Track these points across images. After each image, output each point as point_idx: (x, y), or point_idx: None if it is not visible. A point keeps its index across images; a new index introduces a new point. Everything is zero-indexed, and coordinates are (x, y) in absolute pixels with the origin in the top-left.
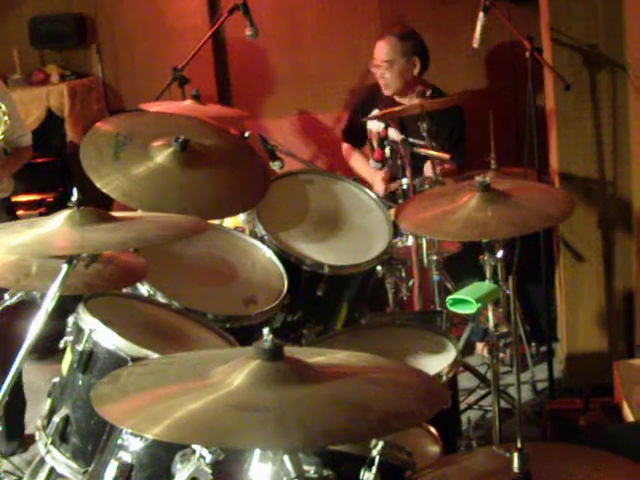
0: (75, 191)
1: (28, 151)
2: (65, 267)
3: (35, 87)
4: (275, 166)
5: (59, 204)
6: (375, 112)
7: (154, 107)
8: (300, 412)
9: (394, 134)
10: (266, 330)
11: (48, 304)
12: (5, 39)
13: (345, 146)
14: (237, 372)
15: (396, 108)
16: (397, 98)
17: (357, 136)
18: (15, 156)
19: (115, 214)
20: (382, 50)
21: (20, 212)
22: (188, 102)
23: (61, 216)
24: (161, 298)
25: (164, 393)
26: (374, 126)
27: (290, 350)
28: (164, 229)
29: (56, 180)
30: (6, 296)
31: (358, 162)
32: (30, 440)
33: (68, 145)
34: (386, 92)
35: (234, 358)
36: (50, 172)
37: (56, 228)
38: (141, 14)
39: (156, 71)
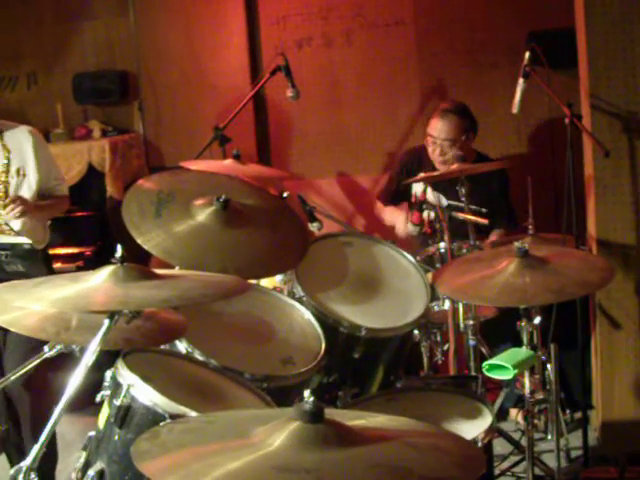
0: (119, 247)
1: (64, 201)
2: (107, 322)
3: (77, 142)
4: (314, 227)
5: (97, 258)
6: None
7: (195, 165)
8: (340, 475)
9: (432, 197)
10: (307, 392)
11: (88, 358)
12: (49, 94)
13: (379, 205)
14: (277, 433)
15: (437, 172)
16: (439, 166)
17: (394, 198)
18: (50, 203)
19: (157, 271)
20: (443, 129)
21: (57, 265)
22: (229, 161)
23: (104, 271)
24: (199, 356)
25: (204, 451)
26: (419, 189)
27: (330, 412)
28: (206, 288)
29: (94, 234)
30: (46, 348)
31: (389, 210)
32: None
33: (107, 200)
34: (442, 168)
35: (274, 419)
36: (89, 226)
37: (99, 283)
38: (183, 72)
39: (197, 129)
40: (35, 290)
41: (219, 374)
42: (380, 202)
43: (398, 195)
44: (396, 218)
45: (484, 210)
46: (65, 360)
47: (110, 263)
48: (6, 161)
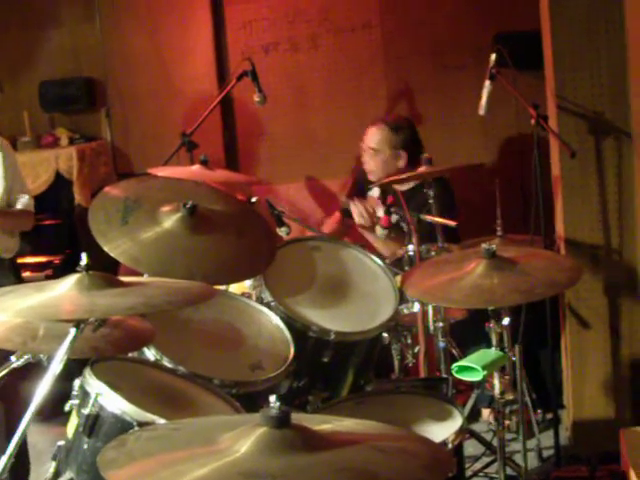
0: (84, 256)
1: (29, 216)
2: (73, 331)
3: (44, 150)
4: (282, 232)
5: (66, 267)
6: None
7: (162, 172)
8: None
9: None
10: (273, 397)
11: (55, 367)
12: (16, 102)
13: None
14: (244, 439)
15: (400, 176)
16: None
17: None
18: (15, 212)
19: (123, 279)
20: (371, 137)
21: (26, 274)
22: (196, 167)
23: (70, 280)
24: (167, 363)
25: (171, 459)
26: (375, 194)
27: (297, 417)
28: (173, 295)
29: (63, 243)
30: (12, 358)
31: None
32: None
33: (76, 208)
34: (370, 177)
35: (241, 425)
36: (57, 234)
37: (64, 292)
38: (150, 79)
39: (164, 135)
40: (0, 300)
41: (188, 381)
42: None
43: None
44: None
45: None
46: (34, 370)
47: (75, 271)
48: None
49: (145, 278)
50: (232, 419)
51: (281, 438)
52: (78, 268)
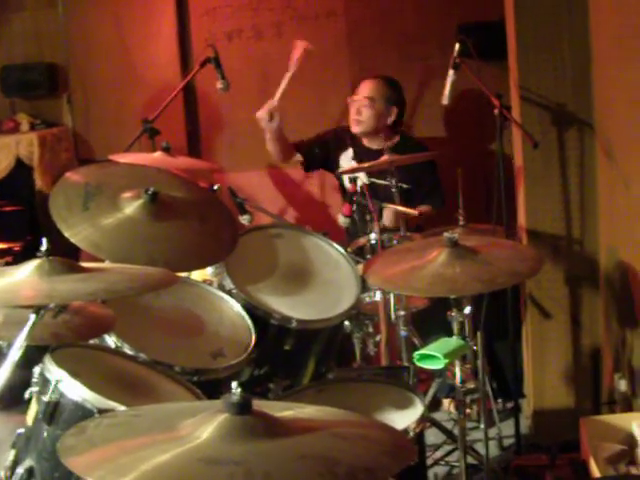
0: (44, 241)
1: None
2: (33, 317)
3: (5, 135)
4: (244, 220)
5: (26, 253)
6: (347, 161)
7: (124, 158)
8: (268, 466)
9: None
10: (235, 384)
11: (14, 354)
12: None
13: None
14: (205, 425)
15: (367, 164)
16: (365, 142)
17: (308, 158)
18: None
19: (84, 265)
20: (367, 87)
21: None
22: (158, 154)
23: (29, 265)
24: (128, 350)
25: (131, 445)
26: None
27: (258, 404)
28: (133, 281)
29: (24, 229)
30: None
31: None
32: None
33: (37, 194)
34: (355, 129)
35: (202, 411)
36: (18, 221)
37: (24, 277)
38: (113, 65)
39: (126, 122)
40: None
41: (149, 368)
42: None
43: (311, 159)
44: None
45: (405, 186)
46: None
47: (36, 257)
48: None
49: (106, 264)
50: (193, 406)
51: (242, 425)
52: (38, 253)
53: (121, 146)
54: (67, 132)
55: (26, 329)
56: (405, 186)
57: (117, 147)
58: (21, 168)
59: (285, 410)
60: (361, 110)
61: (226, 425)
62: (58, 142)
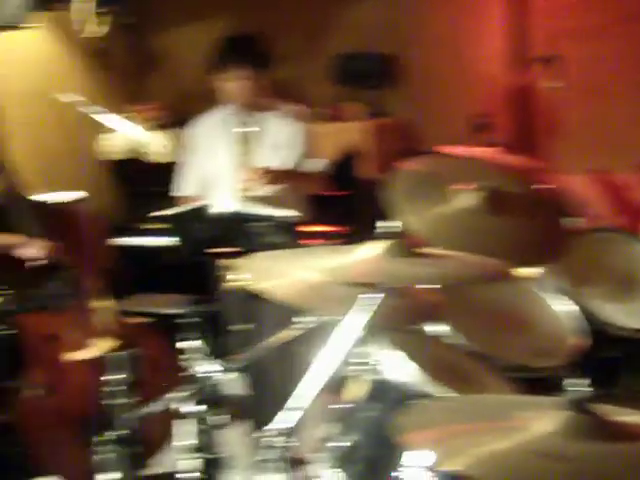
0: (386, 222)
1: (317, 180)
2: (373, 296)
3: (336, 122)
4: (573, 222)
5: (347, 238)
6: None
7: (452, 151)
8: (600, 470)
9: None
10: (580, 382)
11: (351, 331)
12: (313, 75)
13: None
14: (542, 419)
15: None
16: None
17: None
18: (302, 177)
19: (424, 250)
20: None
21: (306, 242)
22: (488, 148)
23: (371, 245)
24: (453, 339)
25: (462, 430)
26: None
27: (600, 406)
28: (472, 270)
29: (348, 214)
30: (301, 319)
31: None
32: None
33: (363, 182)
34: None
35: (536, 405)
36: (342, 206)
37: (365, 256)
38: (443, 57)
39: (454, 115)
40: (302, 258)
41: (473, 359)
42: None
43: None
44: None
45: None
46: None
47: (377, 238)
48: (262, 134)
49: (443, 252)
50: (525, 399)
51: (582, 424)
52: (379, 234)
53: (448, 139)
54: (398, 122)
55: (360, 308)
56: None
57: (444, 140)
58: (350, 155)
59: (625, 415)
60: None
61: (565, 421)
62: (387, 132)
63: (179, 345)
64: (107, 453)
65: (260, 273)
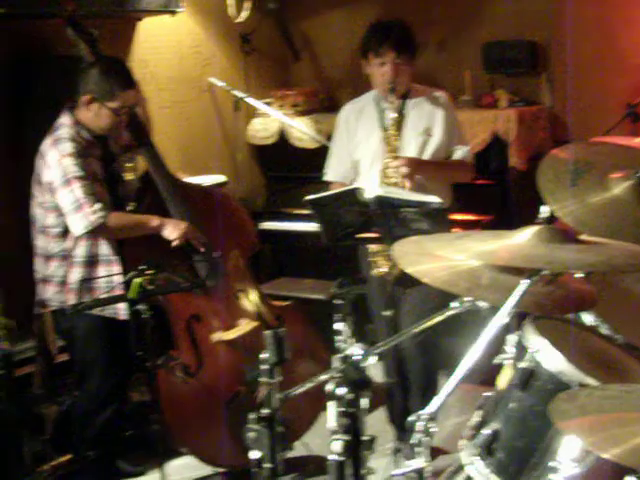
0: (545, 208)
1: (465, 167)
2: (525, 282)
3: (483, 110)
4: None
5: (494, 227)
6: None
7: (605, 140)
8: None
9: None
10: None
11: (501, 319)
12: (458, 62)
13: None
14: None
15: None
16: None
17: None
18: (452, 165)
19: (581, 237)
20: None
21: (455, 230)
22: None
23: (528, 231)
24: (605, 330)
25: (625, 418)
26: None
27: None
28: (633, 257)
29: (494, 203)
30: (453, 304)
31: None
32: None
33: (510, 170)
34: None
35: None
36: (488, 195)
37: (522, 241)
38: (595, 46)
39: (606, 104)
40: (457, 242)
41: (625, 351)
42: None
43: None
44: None
45: None
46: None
47: (534, 223)
48: (412, 120)
49: (601, 239)
50: None
51: None
52: (537, 220)
53: (599, 129)
54: (545, 111)
55: (517, 294)
56: None
57: (594, 130)
58: (497, 143)
59: None
60: None
61: None
62: (535, 120)
63: (325, 328)
64: (251, 433)
65: (410, 258)
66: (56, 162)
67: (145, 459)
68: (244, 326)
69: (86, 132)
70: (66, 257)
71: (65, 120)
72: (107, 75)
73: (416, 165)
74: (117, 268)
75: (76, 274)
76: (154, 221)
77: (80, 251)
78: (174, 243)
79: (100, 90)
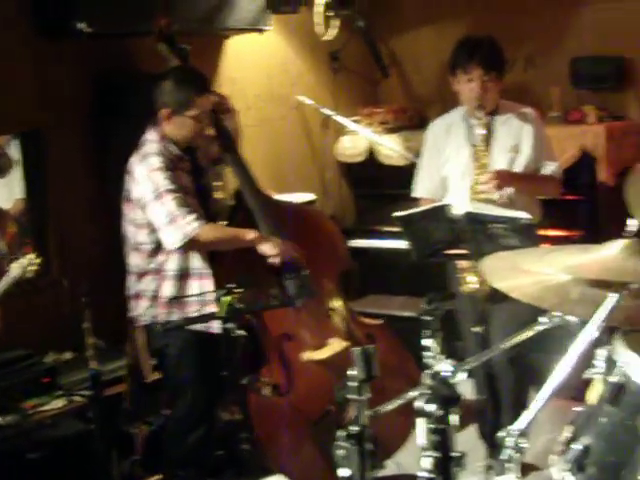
0: (634, 221)
1: (552, 182)
2: (614, 296)
3: (571, 126)
4: None
5: (584, 243)
6: None
7: None
8: None
9: None
10: None
11: (590, 334)
12: (547, 77)
13: None
14: None
15: None
16: None
17: None
18: (539, 178)
19: None
20: None
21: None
22: None
23: (616, 244)
24: None
25: None
26: None
27: None
28: None
29: (583, 219)
30: (542, 319)
31: None
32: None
33: (599, 186)
34: None
35: None
36: (577, 211)
37: (611, 255)
38: None
39: None
40: (546, 257)
41: None
42: None
43: None
44: None
45: None
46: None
47: (622, 237)
48: (501, 136)
49: None
50: None
51: None
52: (625, 233)
53: None
54: (634, 127)
55: (606, 308)
56: None
57: None
58: (585, 159)
59: None
60: None
61: None
62: (624, 136)
63: (414, 345)
64: (340, 450)
65: (499, 273)
66: (145, 177)
67: (235, 479)
68: (335, 346)
69: (174, 146)
70: (158, 271)
71: (151, 136)
72: (181, 85)
73: (506, 177)
74: (209, 282)
75: (168, 287)
76: (250, 234)
77: (172, 265)
78: (273, 260)
79: (177, 101)
